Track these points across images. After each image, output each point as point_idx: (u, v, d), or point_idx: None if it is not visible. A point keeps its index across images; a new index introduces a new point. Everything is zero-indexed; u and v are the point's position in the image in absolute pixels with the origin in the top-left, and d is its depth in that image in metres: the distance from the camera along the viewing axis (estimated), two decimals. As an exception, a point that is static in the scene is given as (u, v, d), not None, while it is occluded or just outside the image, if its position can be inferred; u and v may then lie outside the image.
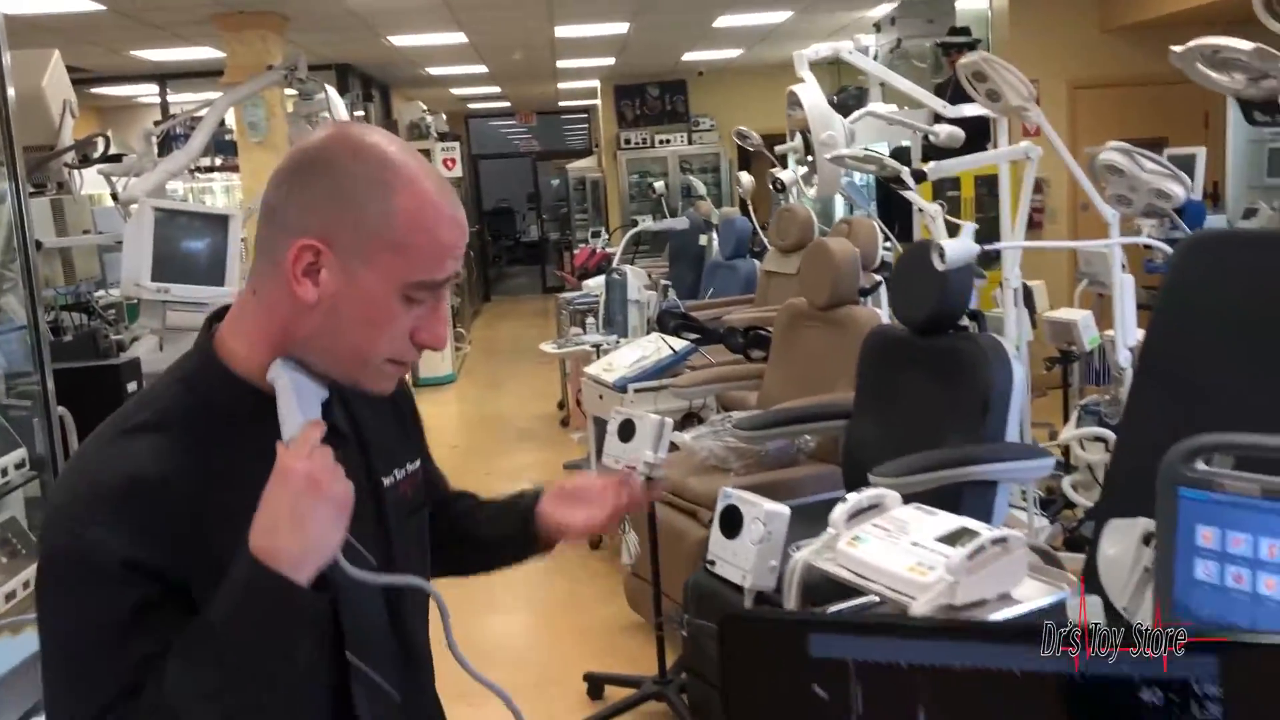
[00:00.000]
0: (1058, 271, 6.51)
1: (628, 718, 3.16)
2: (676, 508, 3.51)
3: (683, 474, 3.55)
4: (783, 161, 5.55)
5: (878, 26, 7.77)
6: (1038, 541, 2.90)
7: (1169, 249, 3.71)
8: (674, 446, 3.51)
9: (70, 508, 0.99)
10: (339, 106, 4.93)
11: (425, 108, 9.22)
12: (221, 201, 8.61)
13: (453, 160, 9.08)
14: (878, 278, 4.17)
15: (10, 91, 2.49)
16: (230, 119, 6.74)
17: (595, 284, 6.47)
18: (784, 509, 2.14)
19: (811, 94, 3.75)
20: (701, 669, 2.90)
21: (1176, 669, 0.96)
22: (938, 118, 4.21)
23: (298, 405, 1.03)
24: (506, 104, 14.90)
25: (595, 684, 3.35)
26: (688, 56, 10.30)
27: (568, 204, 14.21)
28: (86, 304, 4.58)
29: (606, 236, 10.22)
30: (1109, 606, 1.88)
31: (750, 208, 6.80)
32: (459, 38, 7.96)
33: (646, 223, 6.98)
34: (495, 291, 16.34)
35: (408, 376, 1.25)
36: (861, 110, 4.92)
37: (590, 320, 5.41)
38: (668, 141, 11.36)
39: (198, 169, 7.08)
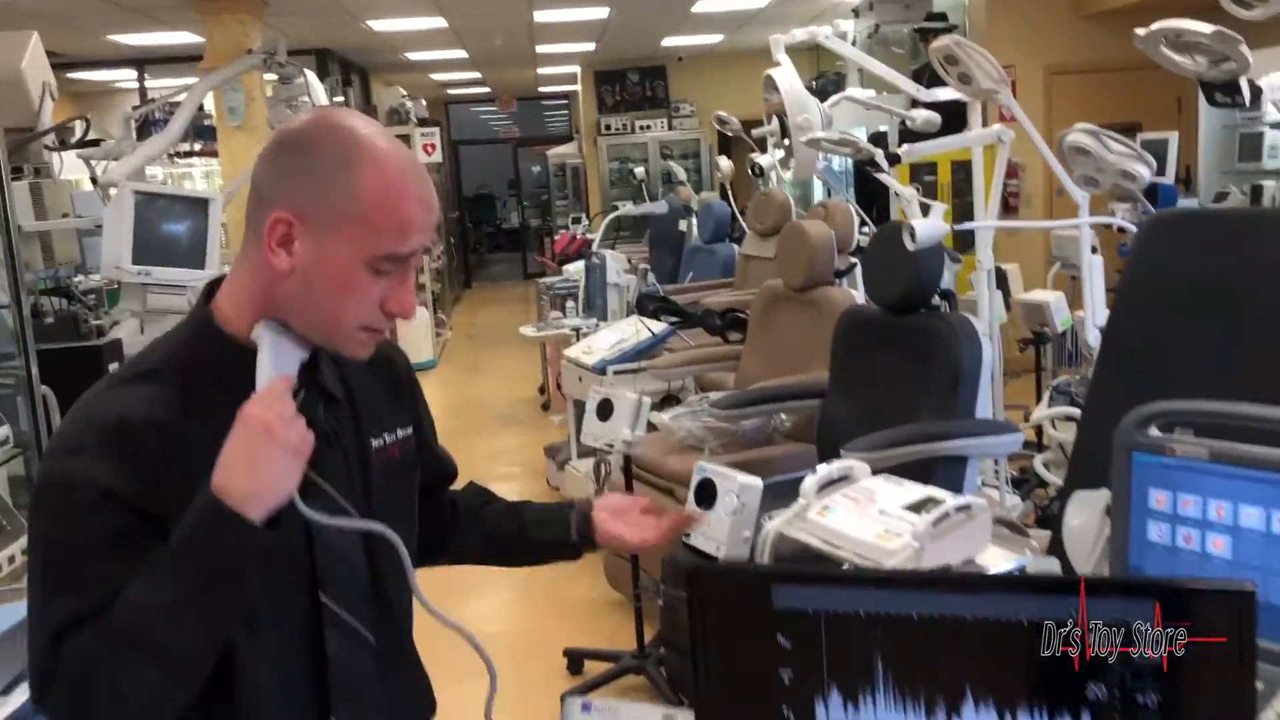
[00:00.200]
0: (1032, 255, 6.58)
1: (607, 691, 3.22)
2: (654, 485, 3.56)
3: (660, 453, 3.60)
4: (761, 146, 5.59)
5: (856, 12, 7.81)
6: (1005, 514, 2.96)
7: (1135, 229, 3.78)
8: (653, 427, 3.56)
9: (63, 441, 1.09)
10: (319, 91, 4.94)
11: (405, 93, 9.23)
12: (201, 187, 8.60)
13: (432, 146, 9.09)
14: (853, 260, 4.22)
15: (-10, 73, 2.51)
16: (209, 104, 6.73)
17: (575, 269, 6.51)
18: (757, 481, 2.19)
19: (788, 77, 3.80)
20: (678, 642, 2.96)
21: (1116, 613, 1.02)
22: (914, 103, 4.26)
23: (273, 363, 1.12)
24: (487, 90, 14.88)
25: (575, 659, 3.40)
26: (668, 42, 10.32)
27: (548, 190, 14.21)
28: (66, 289, 4.59)
29: (587, 222, 10.24)
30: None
31: (730, 192, 6.84)
32: (439, 22, 7.97)
33: (626, 207, 7.00)
34: (476, 278, 16.34)
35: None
36: (839, 95, 4.97)
37: (570, 304, 5.44)
38: (648, 127, 11.39)
39: (177, 154, 7.06)
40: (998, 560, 1.87)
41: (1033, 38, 7.16)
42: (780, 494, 2.41)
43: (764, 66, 4.19)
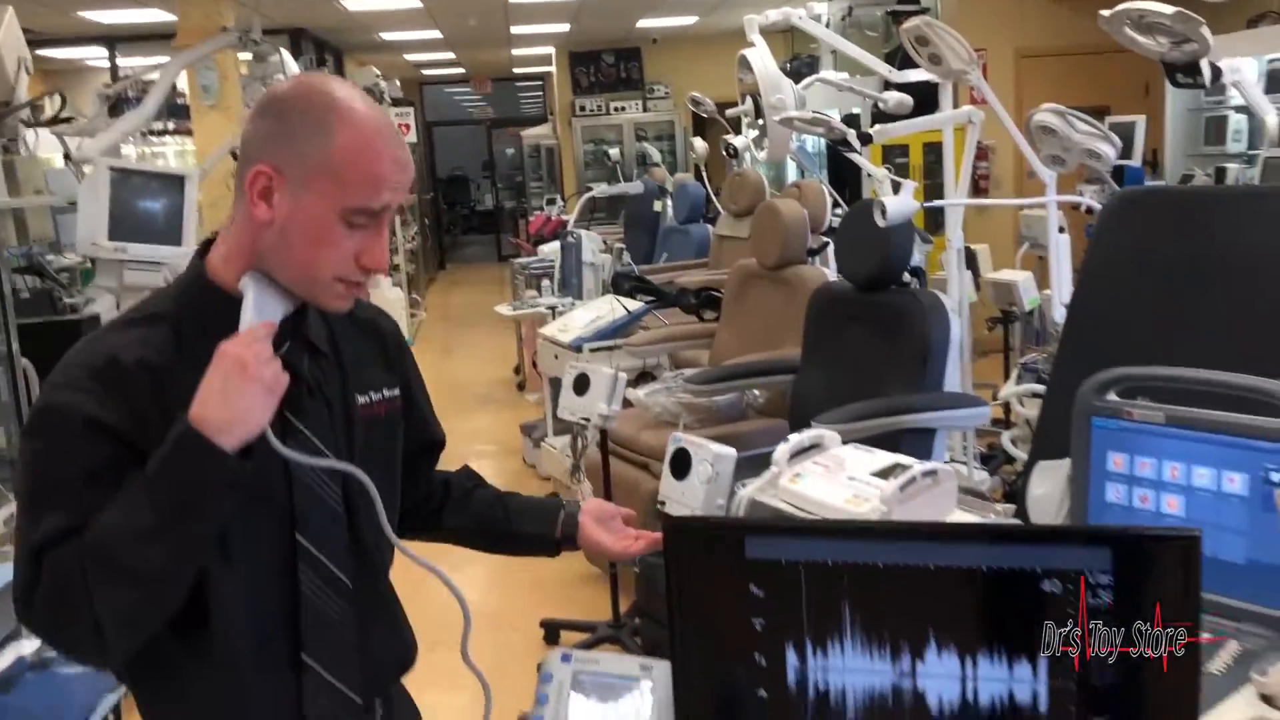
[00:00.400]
0: (1001, 236, 6.66)
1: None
2: (629, 460, 3.61)
3: (636, 429, 3.65)
4: (735, 127, 5.64)
5: (830, -6, 7.85)
6: (970, 484, 3.03)
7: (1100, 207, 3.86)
8: (628, 403, 3.61)
9: (58, 375, 1.16)
10: (294, 70, 4.95)
11: (379, 73, 9.18)
12: (174, 165, 8.55)
13: (406, 126, 9.07)
14: (825, 239, 4.28)
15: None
16: (182, 83, 6.70)
17: (550, 249, 6.53)
18: (731, 451, 2.24)
19: (761, 58, 3.84)
20: (654, 612, 3.02)
21: (1073, 561, 1.07)
22: (887, 85, 4.31)
23: (256, 310, 1.18)
24: (461, 71, 14.82)
25: (551, 630, 3.46)
26: (642, 23, 10.32)
27: (523, 172, 14.19)
28: (39, 267, 4.56)
29: (562, 204, 10.25)
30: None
31: (705, 173, 6.88)
32: (413, 2, 7.94)
33: (602, 188, 7.03)
34: (450, 260, 16.31)
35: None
36: (812, 76, 5.02)
37: (545, 283, 5.47)
38: (623, 109, 11.39)
39: (149, 132, 7.02)
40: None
41: (1003, 21, 7.23)
42: (753, 467, 2.46)
43: (738, 49, 4.23)
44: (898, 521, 1.52)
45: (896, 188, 3.16)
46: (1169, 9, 2.25)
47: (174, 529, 1.09)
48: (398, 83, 10.50)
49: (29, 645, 1.55)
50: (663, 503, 2.47)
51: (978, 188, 7.09)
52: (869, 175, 4.69)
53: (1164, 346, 2.21)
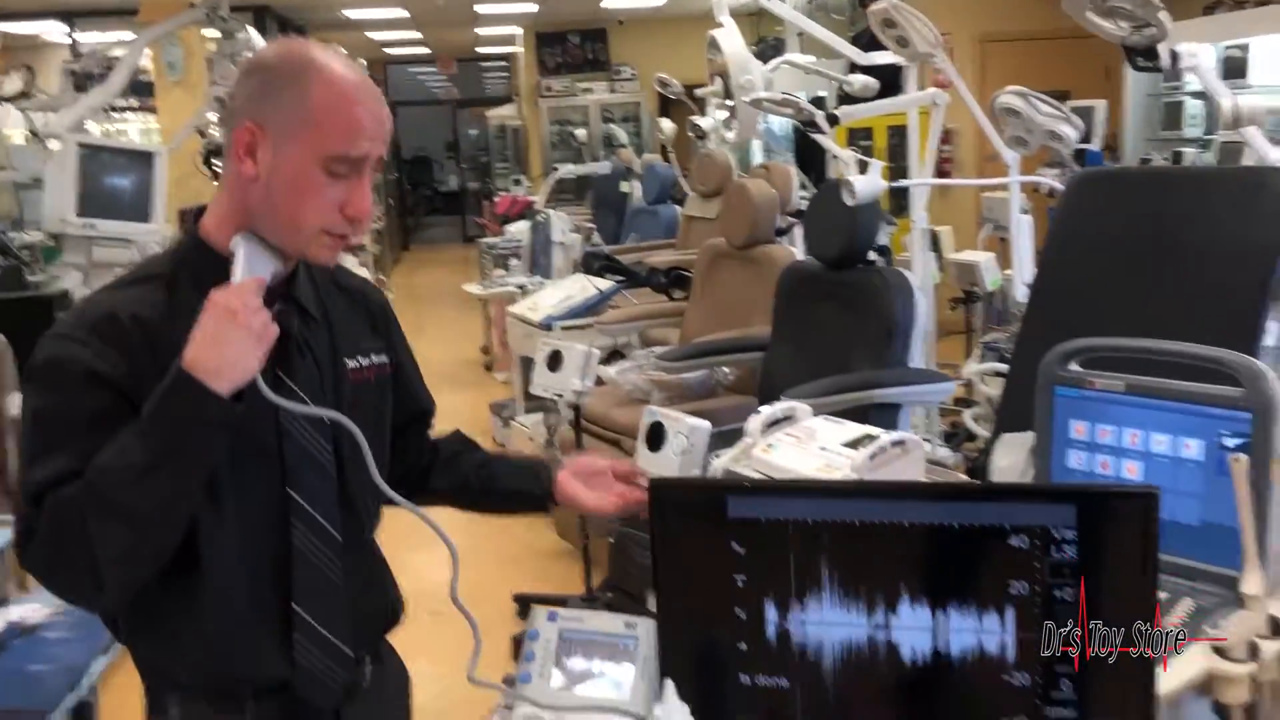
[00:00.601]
0: (964, 218, 6.75)
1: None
2: (600, 437, 3.65)
3: (607, 406, 3.69)
4: (701, 109, 5.67)
5: (796, -23, 7.88)
6: (936, 457, 3.10)
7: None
8: (600, 381, 3.65)
9: (57, 329, 1.21)
10: (253, 46, 4.92)
11: (344, 52, 9.12)
12: (138, 142, 8.45)
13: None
14: (793, 219, 4.34)
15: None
16: (144, 59, 6.63)
17: (518, 228, 6.55)
18: (705, 423, 2.29)
19: (730, 38, 3.87)
20: (625, 585, 3.07)
21: (1039, 517, 1.13)
22: (853, 69, 4.36)
23: (246, 267, 1.23)
24: (425, 50, 14.73)
25: (524, 603, 3.49)
26: (608, 4, 10.31)
27: (488, 153, 14.12)
28: (2, 244, 4.53)
29: (528, 184, 10.24)
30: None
31: (672, 154, 6.91)
32: (379, -21, 7.90)
33: (570, 168, 7.05)
34: (414, 241, 16.23)
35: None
36: (779, 58, 5.06)
37: (514, 262, 5.49)
38: (589, 90, 11.37)
39: (112, 108, 6.95)
40: (931, 492, 2.00)
41: (967, 6, 7.31)
42: (724, 441, 2.52)
43: (703, 31, 4.27)
44: (874, 481, 1.57)
45: (863, 168, 3.21)
46: (1130, -7, 2.32)
47: (166, 468, 1.13)
48: (363, 62, 10.41)
49: (17, 611, 1.58)
50: (638, 474, 2.52)
51: (941, 170, 7.18)
52: (834, 157, 4.76)
53: (1123, 321, 2.28)
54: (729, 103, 4.02)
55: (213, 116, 4.95)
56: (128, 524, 1.13)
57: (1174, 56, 2.46)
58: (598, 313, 4.29)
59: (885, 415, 2.86)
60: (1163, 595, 1.53)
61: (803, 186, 4.96)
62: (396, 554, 1.49)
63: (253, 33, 4.81)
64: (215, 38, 4.93)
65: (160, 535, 1.17)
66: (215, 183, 6.14)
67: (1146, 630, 1.12)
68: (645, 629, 1.34)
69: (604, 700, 1.30)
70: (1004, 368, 4.35)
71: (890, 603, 1.18)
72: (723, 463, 2.13)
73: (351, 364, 1.35)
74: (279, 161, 1.20)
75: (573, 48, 11.63)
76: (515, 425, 4.87)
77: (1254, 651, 1.33)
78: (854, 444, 1.96)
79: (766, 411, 2.12)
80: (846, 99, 4.26)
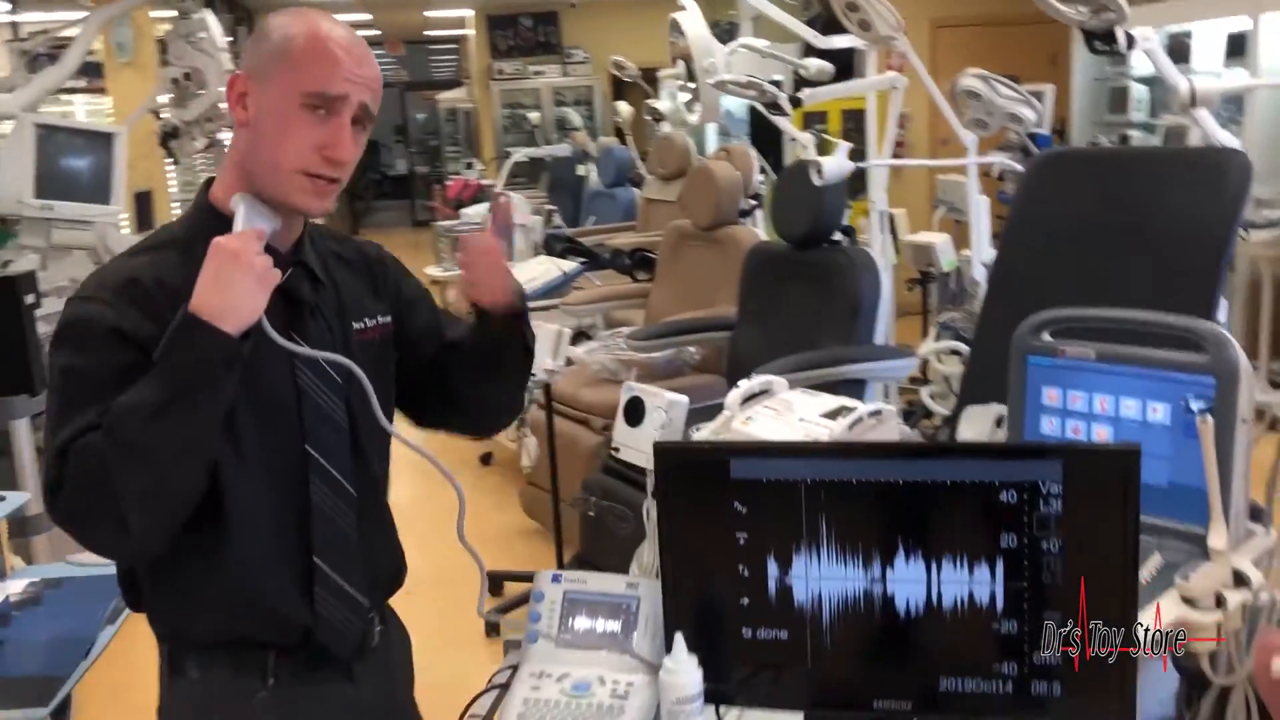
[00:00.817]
0: (917, 201, 6.86)
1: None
2: (569, 417, 3.69)
3: (575, 386, 3.73)
4: (656, 91, 5.70)
5: (750, -39, 7.92)
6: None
7: (1021, 169, 4.04)
8: (569, 361, 3.69)
9: (81, 292, 1.26)
10: (215, 28, 4.87)
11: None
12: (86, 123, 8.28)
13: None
14: (754, 201, 4.39)
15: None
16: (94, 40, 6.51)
17: (475, 211, 6.54)
18: (683, 398, 2.33)
19: (693, 21, 3.91)
20: (597, 560, 3.11)
21: (1027, 473, 1.19)
22: (806, 52, 4.42)
23: (246, 222, 1.28)
24: (375, 32, 14.57)
25: (495, 580, 3.53)
26: (560, -13, 10.30)
27: (437, 136, 14.02)
28: (-50, 226, 4.44)
29: (480, 168, 10.21)
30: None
31: (629, 138, 6.94)
32: (330, -39, 7.82)
33: (529, 150, 7.07)
34: (363, 225, 16.09)
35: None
36: (736, 42, 5.11)
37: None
38: (541, 73, 11.36)
39: (58, 90, 6.82)
40: (906, 460, 2.07)
41: (920, -9, 7.41)
42: (696, 419, 2.57)
43: (654, 13, 4.31)
44: (871, 442, 1.63)
45: (820, 150, 3.27)
46: (1090, -22, 2.39)
47: (179, 407, 1.16)
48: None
49: (15, 585, 1.58)
50: (617, 449, 2.57)
51: (894, 154, 7.27)
52: (793, 140, 4.82)
53: (1084, 297, 2.36)
54: (691, 85, 4.06)
55: (167, 98, 4.89)
56: (144, 464, 1.16)
57: (1130, 40, 2.54)
58: (563, 294, 4.32)
59: (851, 391, 2.92)
60: (1132, 552, 1.61)
61: (762, 170, 5.02)
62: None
63: (208, 14, 4.75)
64: (169, 17, 4.87)
65: (178, 475, 1.20)
66: (173, 165, 6.07)
67: (1127, 578, 1.19)
68: (647, 588, 1.39)
69: (610, 657, 1.34)
70: (960, 346, 4.46)
71: (886, 557, 1.24)
72: (703, 436, 2.18)
73: (357, 325, 1.40)
74: (263, 104, 1.26)
75: (524, 30, 11.60)
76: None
77: (1220, 601, 1.41)
78: (832, 414, 2.02)
79: (744, 386, 2.17)
80: (801, 83, 4.32)
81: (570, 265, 4.29)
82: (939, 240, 4.71)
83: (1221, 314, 2.24)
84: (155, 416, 1.15)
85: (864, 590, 1.24)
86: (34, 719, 1.25)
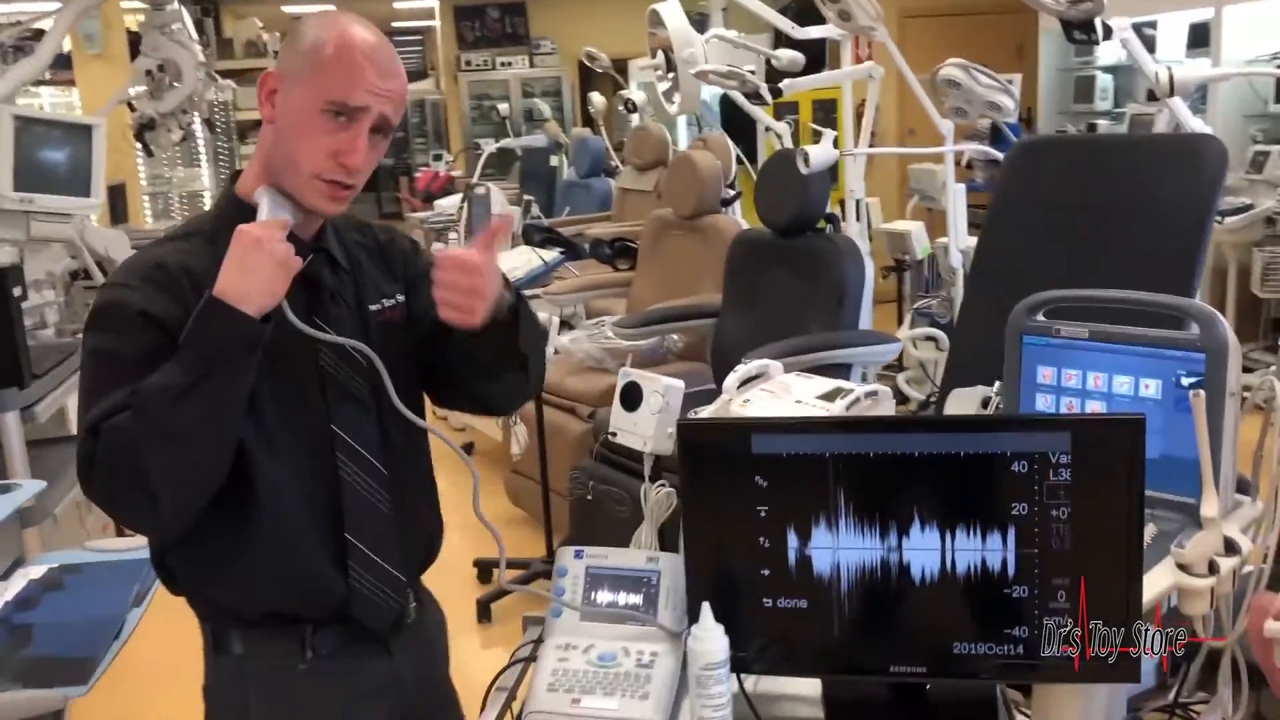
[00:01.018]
0: (888, 189, 6.95)
1: (516, 596, 3.40)
2: (556, 406, 3.73)
3: (560, 375, 3.76)
4: (626, 81, 5.73)
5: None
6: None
7: (999, 155, 4.12)
8: (554, 351, 3.72)
9: (110, 279, 1.32)
10: (187, 20, 4.85)
11: (261, 24, 8.96)
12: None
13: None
14: (738, 190, 4.44)
15: None
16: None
17: (448, 203, 6.54)
18: (679, 383, 2.37)
19: (674, 13, 3.95)
20: (587, 545, 3.14)
21: (1038, 444, 1.25)
22: (776, 43, 4.48)
23: (269, 213, 1.32)
24: (338, 24, 14.44)
25: (484, 568, 3.57)
26: (527, -22, 10.28)
27: (404, 128, 13.94)
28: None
29: (450, 159, 10.19)
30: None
31: (602, 128, 6.97)
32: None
33: (505, 141, 7.08)
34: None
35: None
36: (709, 32, 5.15)
37: (452, 236, 5.50)
38: (509, 64, 11.34)
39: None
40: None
41: (889, -18, 7.48)
42: (689, 404, 2.61)
43: (621, 4, 4.33)
44: (886, 416, 1.68)
45: (796, 139, 3.33)
46: (1071, -31, 2.46)
47: (202, 387, 1.20)
48: (278, 35, 10.23)
49: (36, 570, 1.60)
50: (614, 434, 2.61)
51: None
52: (767, 129, 4.88)
53: (1065, 281, 2.43)
54: (670, 76, 4.09)
55: (134, 90, 4.87)
56: (171, 442, 1.20)
57: (1107, 30, 2.61)
58: (545, 284, 4.35)
59: (835, 375, 2.95)
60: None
61: (739, 160, 5.07)
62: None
63: (185, 11, 4.73)
64: (139, 8, 4.84)
65: (203, 454, 1.23)
66: (145, 157, 6.03)
67: (1132, 542, 1.25)
68: (667, 562, 1.44)
69: (632, 629, 1.39)
70: (936, 332, 4.55)
71: (902, 527, 1.28)
72: (702, 419, 2.22)
73: (374, 307, 1.43)
74: (288, 104, 1.30)
75: (491, 21, 11.57)
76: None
77: (1213, 568, 1.47)
78: (829, 396, 2.07)
79: (741, 370, 2.21)
80: (773, 73, 4.37)
81: (551, 255, 4.32)
82: (913, 228, 4.79)
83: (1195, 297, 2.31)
84: (181, 396, 1.19)
85: (881, 559, 1.29)
86: (72, 697, 1.27)
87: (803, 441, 1.30)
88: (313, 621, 1.37)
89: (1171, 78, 2.48)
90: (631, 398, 2.50)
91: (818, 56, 4.78)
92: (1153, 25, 6.03)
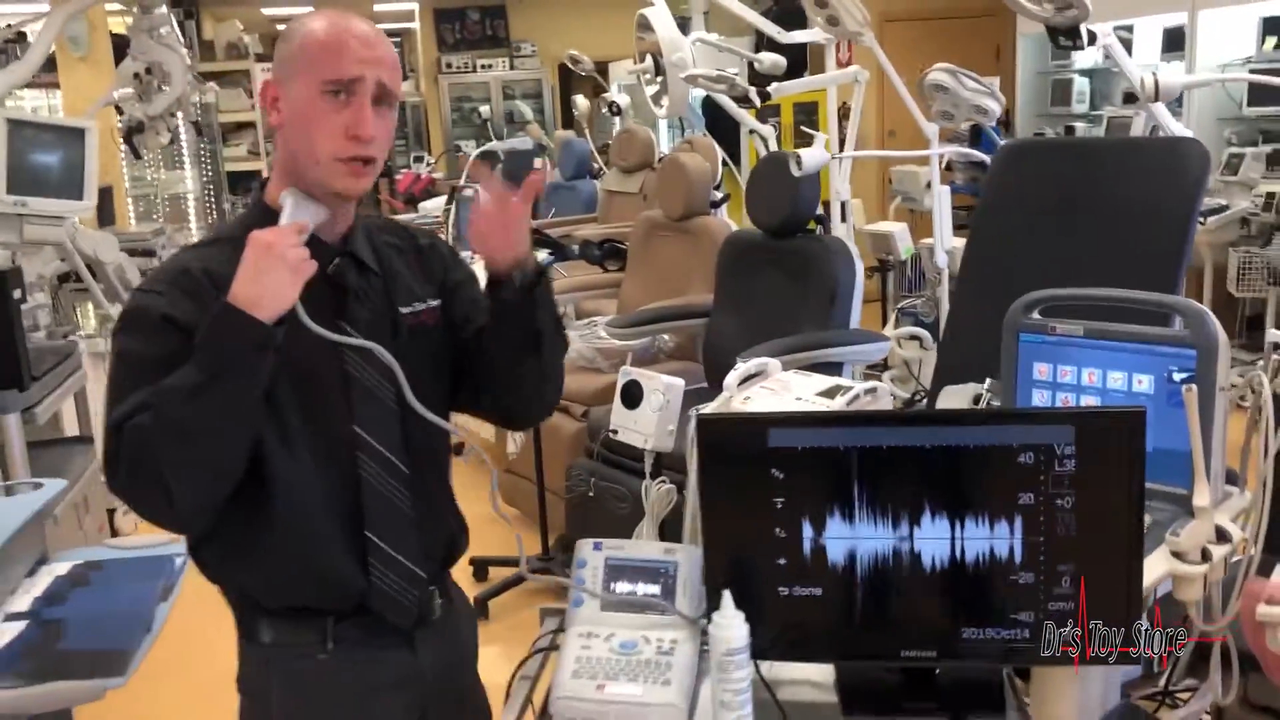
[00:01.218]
0: (868, 191, 7.03)
1: (514, 593, 3.44)
2: (549, 405, 3.76)
3: (552, 374, 3.80)
4: (607, 84, 5.76)
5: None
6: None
7: (981, 157, 4.20)
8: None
9: (140, 285, 1.39)
10: (173, 23, 4.86)
11: (242, 26, 8.95)
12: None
13: (262, 84, 8.86)
14: (726, 193, 4.49)
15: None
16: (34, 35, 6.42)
17: (433, 205, 6.57)
18: (680, 381, 2.42)
19: (662, 17, 4.00)
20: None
21: (1044, 437, 1.30)
22: (758, 47, 4.53)
23: (290, 216, 1.36)
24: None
25: (480, 566, 3.60)
26: (508, -20, 10.30)
27: (384, 130, 13.91)
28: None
29: (431, 161, 10.21)
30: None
31: (587, 130, 7.02)
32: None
33: (496, 144, 7.12)
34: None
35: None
36: (691, 36, 5.20)
37: (441, 237, 5.53)
38: (489, 66, 11.37)
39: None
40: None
41: (868, -14, 7.56)
42: (686, 403, 2.66)
43: (601, 6, 4.37)
44: (901, 410, 1.73)
45: (780, 142, 3.38)
46: (1058, -23, 2.52)
47: (215, 388, 1.24)
48: (256, 37, 10.22)
49: (61, 567, 1.63)
50: (614, 431, 2.65)
51: (842, 146, 7.43)
52: (751, 132, 4.93)
53: (1051, 279, 2.49)
54: (659, 79, 4.14)
55: (125, 91, 4.87)
56: (185, 440, 1.24)
57: (1091, 36, 2.67)
58: (534, 285, 4.38)
59: (827, 373, 3.03)
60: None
61: (725, 163, 5.13)
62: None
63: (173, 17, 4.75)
64: (121, 10, 4.84)
65: (216, 452, 1.27)
66: (132, 158, 6.00)
67: (1133, 527, 1.31)
68: (684, 554, 1.48)
69: (651, 618, 1.43)
70: (920, 332, 4.61)
71: (914, 517, 1.34)
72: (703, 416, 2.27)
73: (406, 310, 1.46)
74: (291, 103, 1.34)
75: (471, 24, 11.59)
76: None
77: (1206, 555, 1.53)
78: (828, 393, 2.12)
79: (741, 368, 2.27)
80: (755, 77, 4.43)
81: (540, 256, 4.36)
82: (897, 229, 4.85)
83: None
84: (193, 397, 1.24)
85: (893, 548, 1.34)
86: (111, 687, 1.30)
87: (818, 435, 1.35)
88: (334, 613, 1.40)
89: (1156, 83, 2.55)
90: (632, 396, 2.55)
91: (797, 60, 4.85)
92: (1129, 29, 6.14)
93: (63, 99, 6.69)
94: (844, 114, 7.27)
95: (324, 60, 1.32)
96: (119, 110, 4.91)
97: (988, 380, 2.26)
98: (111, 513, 3.90)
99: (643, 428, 2.51)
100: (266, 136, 10.02)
